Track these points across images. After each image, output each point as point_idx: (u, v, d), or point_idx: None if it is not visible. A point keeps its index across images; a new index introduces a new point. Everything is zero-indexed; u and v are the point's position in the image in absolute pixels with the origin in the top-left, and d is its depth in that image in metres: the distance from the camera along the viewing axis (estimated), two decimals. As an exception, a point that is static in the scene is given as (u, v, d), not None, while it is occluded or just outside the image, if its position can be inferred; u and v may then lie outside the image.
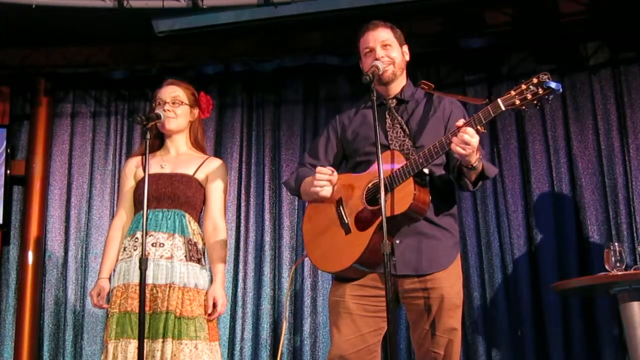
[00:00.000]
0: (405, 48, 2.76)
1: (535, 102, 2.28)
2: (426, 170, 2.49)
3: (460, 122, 2.37)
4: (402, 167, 2.47)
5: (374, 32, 2.70)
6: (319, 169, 2.61)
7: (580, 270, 4.36)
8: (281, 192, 5.00)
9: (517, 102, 2.29)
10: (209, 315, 2.92)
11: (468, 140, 2.32)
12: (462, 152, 2.35)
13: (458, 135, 2.34)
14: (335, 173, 2.61)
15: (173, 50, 5.10)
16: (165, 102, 3.07)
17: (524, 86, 2.29)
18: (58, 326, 4.97)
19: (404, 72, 2.75)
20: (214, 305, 2.93)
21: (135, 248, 2.94)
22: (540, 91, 2.25)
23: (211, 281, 3.00)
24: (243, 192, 5.07)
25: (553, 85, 2.24)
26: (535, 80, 2.27)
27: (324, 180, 2.59)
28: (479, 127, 2.34)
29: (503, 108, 2.31)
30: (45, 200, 5.15)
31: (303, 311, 4.77)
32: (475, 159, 2.41)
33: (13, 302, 5.03)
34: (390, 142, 2.62)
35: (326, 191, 2.60)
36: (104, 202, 5.16)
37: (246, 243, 4.97)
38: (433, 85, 2.73)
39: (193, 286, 2.90)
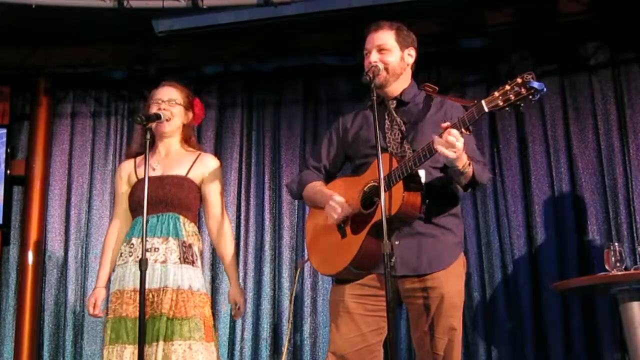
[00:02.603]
0: (411, 51, 2.73)
1: (518, 103, 2.26)
2: (421, 172, 2.49)
3: (446, 124, 2.35)
4: (394, 170, 2.47)
5: (375, 34, 2.69)
6: (334, 198, 2.59)
7: (580, 270, 4.36)
8: (281, 192, 5.00)
9: (501, 103, 2.27)
10: (234, 315, 3.13)
11: (452, 142, 2.30)
12: (446, 153, 2.33)
13: (442, 136, 2.32)
14: (346, 207, 2.58)
15: (173, 50, 5.10)
16: (162, 101, 3.09)
17: (507, 87, 2.27)
18: (58, 326, 4.97)
19: (405, 75, 2.72)
20: (237, 307, 3.09)
21: (130, 254, 2.95)
22: (524, 91, 2.23)
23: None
24: (243, 192, 5.07)
25: (536, 85, 2.22)
26: (519, 81, 2.25)
27: (340, 211, 2.57)
28: (463, 129, 2.33)
29: (486, 110, 2.30)
30: (45, 200, 5.15)
31: (303, 311, 4.77)
32: (462, 163, 2.39)
33: (13, 302, 5.03)
34: (388, 144, 2.63)
35: (337, 220, 2.61)
36: (104, 202, 5.16)
37: (246, 243, 4.97)
38: (437, 88, 2.70)
39: (187, 287, 2.90)
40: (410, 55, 2.74)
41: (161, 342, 2.79)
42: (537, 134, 4.73)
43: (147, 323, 2.82)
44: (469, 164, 2.43)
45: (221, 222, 3.08)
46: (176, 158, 3.11)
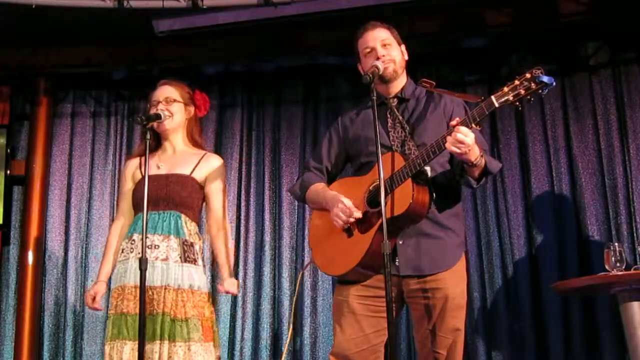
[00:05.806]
0: (403, 47, 2.77)
1: (528, 97, 2.28)
2: (427, 168, 2.48)
3: (455, 121, 2.37)
4: (401, 168, 2.47)
5: (373, 32, 2.71)
6: (345, 204, 2.55)
7: (580, 270, 4.35)
8: (281, 192, 5.00)
9: (511, 98, 2.30)
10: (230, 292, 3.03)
11: (462, 139, 2.32)
12: (458, 151, 2.35)
13: (452, 134, 2.34)
14: (358, 214, 2.55)
15: (173, 50, 5.10)
16: (158, 102, 3.09)
17: (517, 82, 2.29)
18: (58, 326, 4.97)
19: (404, 70, 2.76)
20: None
21: (131, 250, 2.96)
22: (533, 86, 2.26)
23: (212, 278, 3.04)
24: (243, 192, 5.07)
25: (546, 79, 2.24)
26: (528, 76, 2.27)
27: (346, 218, 2.55)
28: (473, 125, 2.34)
29: (497, 105, 2.32)
30: (45, 200, 5.15)
31: (303, 311, 4.77)
32: (475, 156, 2.40)
33: (13, 302, 5.03)
34: (392, 142, 2.63)
35: (343, 226, 2.59)
36: (104, 202, 5.16)
37: (246, 243, 4.97)
38: (434, 83, 2.72)
39: (187, 287, 2.91)
40: (404, 52, 2.77)
41: (165, 342, 2.81)
42: (537, 134, 4.73)
43: (148, 320, 2.82)
44: (481, 156, 2.44)
45: (221, 221, 3.08)
46: (182, 157, 3.11)
